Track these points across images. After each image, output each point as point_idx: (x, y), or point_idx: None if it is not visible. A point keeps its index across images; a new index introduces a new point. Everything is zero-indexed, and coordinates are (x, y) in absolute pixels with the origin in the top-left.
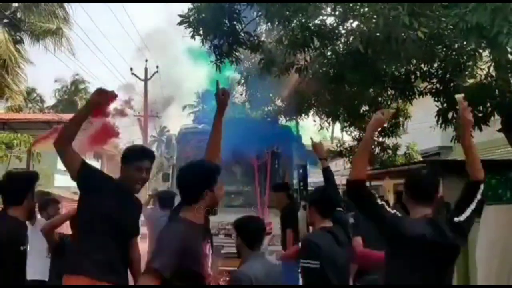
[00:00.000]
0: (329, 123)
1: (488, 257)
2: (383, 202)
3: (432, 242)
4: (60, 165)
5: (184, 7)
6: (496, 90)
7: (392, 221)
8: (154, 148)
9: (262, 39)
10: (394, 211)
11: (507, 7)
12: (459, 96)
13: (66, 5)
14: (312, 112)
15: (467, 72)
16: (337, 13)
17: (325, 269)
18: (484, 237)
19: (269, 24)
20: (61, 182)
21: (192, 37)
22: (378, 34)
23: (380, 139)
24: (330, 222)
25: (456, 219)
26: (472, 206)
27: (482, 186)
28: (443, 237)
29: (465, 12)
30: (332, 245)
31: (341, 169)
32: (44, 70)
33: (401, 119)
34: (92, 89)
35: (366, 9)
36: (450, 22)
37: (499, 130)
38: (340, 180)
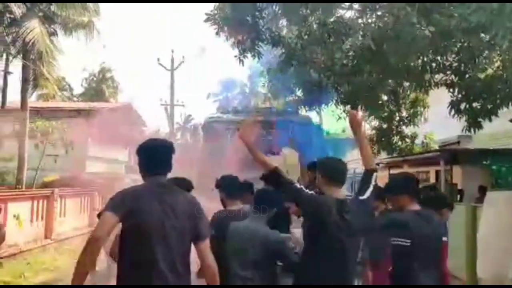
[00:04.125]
0: (346, 114)
1: (489, 236)
2: (301, 186)
3: (337, 218)
4: (91, 152)
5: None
6: (507, 82)
7: (308, 198)
8: (178, 136)
9: (283, 33)
10: (311, 192)
11: (505, 10)
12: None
13: None
14: (331, 103)
15: (483, 64)
16: (356, 6)
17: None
18: (488, 219)
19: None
20: (92, 168)
21: (217, 33)
22: (388, 31)
23: (399, 128)
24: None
25: (360, 197)
26: (370, 189)
27: (375, 174)
28: (346, 214)
29: (469, 13)
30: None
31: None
32: (72, 59)
33: (420, 108)
34: (118, 77)
35: (381, 4)
36: (455, 21)
37: (511, 120)
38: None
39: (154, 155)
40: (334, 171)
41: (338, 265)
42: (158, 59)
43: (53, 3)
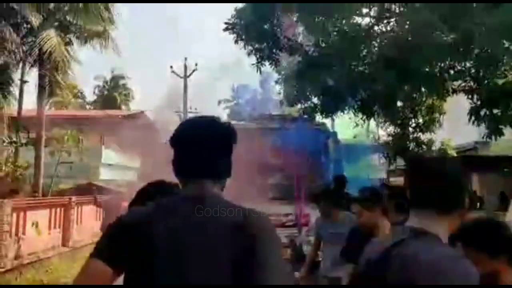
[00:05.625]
0: (364, 120)
1: None
2: None
3: None
4: (106, 160)
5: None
6: None
7: None
8: None
9: (300, 39)
10: None
11: None
12: None
13: (110, 6)
14: (347, 110)
15: (501, 71)
16: (372, 13)
17: None
18: None
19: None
20: (106, 176)
21: (236, 42)
22: (408, 39)
23: (415, 134)
24: None
25: None
26: None
27: None
28: None
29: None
30: None
31: (376, 163)
32: (84, 67)
33: (436, 115)
34: (131, 85)
35: (401, 9)
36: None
37: None
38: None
39: (186, 146)
40: None
41: None
42: (171, 67)
43: (69, 13)
